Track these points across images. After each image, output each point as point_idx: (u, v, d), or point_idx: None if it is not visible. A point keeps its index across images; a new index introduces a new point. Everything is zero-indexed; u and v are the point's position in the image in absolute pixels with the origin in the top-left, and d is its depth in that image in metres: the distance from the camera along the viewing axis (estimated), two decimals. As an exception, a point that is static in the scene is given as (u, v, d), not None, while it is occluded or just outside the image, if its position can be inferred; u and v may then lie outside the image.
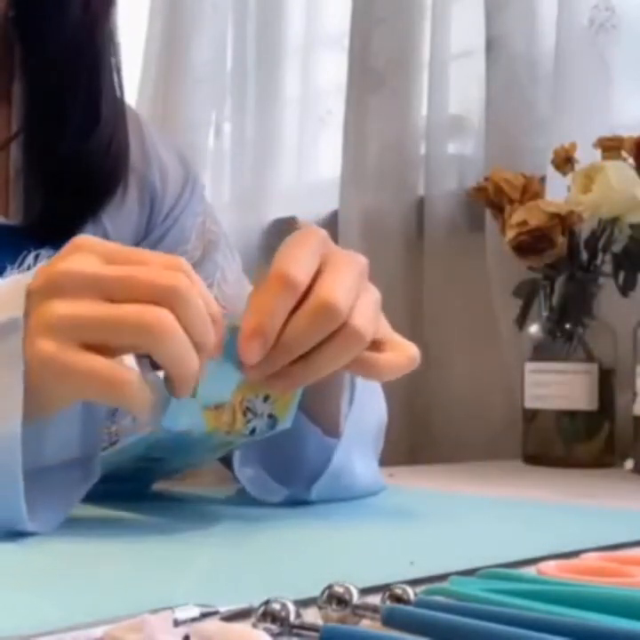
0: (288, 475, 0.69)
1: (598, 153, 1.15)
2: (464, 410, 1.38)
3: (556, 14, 1.25)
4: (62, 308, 0.51)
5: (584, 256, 1.17)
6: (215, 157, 1.74)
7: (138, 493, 0.72)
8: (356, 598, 0.37)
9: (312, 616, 0.37)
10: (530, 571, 0.46)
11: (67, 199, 0.77)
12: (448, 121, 1.43)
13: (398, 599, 0.38)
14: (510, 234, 1.14)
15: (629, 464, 1.07)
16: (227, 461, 0.73)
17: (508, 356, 1.30)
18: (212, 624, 0.34)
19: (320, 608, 0.37)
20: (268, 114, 1.69)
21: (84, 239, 0.54)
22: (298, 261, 0.56)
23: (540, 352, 1.17)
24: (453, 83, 1.42)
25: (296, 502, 0.68)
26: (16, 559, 0.49)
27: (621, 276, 1.15)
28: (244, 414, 0.60)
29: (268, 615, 0.35)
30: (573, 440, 1.14)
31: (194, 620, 0.35)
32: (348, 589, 0.37)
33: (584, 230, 1.16)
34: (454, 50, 1.42)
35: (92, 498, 0.66)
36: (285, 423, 0.62)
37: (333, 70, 1.61)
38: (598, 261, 1.16)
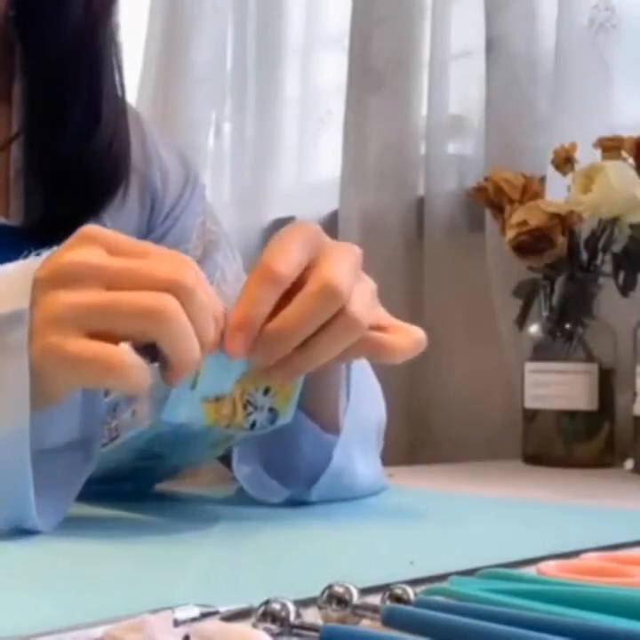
0: (287, 472, 0.69)
1: (598, 153, 1.15)
2: (464, 410, 1.38)
3: (556, 14, 1.25)
4: (66, 298, 0.51)
5: (584, 256, 1.17)
6: (215, 157, 1.74)
7: (138, 493, 0.72)
8: (356, 598, 0.37)
9: (312, 616, 0.37)
10: (530, 571, 0.46)
11: (67, 199, 0.77)
12: (448, 121, 1.43)
13: (398, 599, 0.38)
14: (510, 234, 1.14)
15: (629, 464, 1.07)
16: (226, 461, 0.73)
17: (508, 356, 1.30)
18: (212, 624, 0.34)
19: (320, 608, 0.37)
20: (268, 114, 1.69)
21: (90, 229, 0.54)
22: (283, 254, 0.56)
23: (540, 352, 1.17)
24: (453, 83, 1.42)
25: (296, 502, 0.68)
26: (16, 559, 0.49)
27: (621, 275, 1.15)
28: (245, 407, 0.60)
29: (268, 615, 0.35)
30: (573, 440, 1.14)
31: (194, 619, 0.35)
32: (347, 589, 0.37)
33: (584, 230, 1.16)
34: (454, 50, 1.42)
35: (92, 498, 0.66)
36: (286, 417, 0.62)
37: (333, 70, 1.62)
38: (598, 261, 1.16)
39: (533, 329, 1.19)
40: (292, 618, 0.35)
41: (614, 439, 1.15)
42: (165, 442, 0.65)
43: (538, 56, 1.32)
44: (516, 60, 1.32)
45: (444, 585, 0.40)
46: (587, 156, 1.16)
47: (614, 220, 1.14)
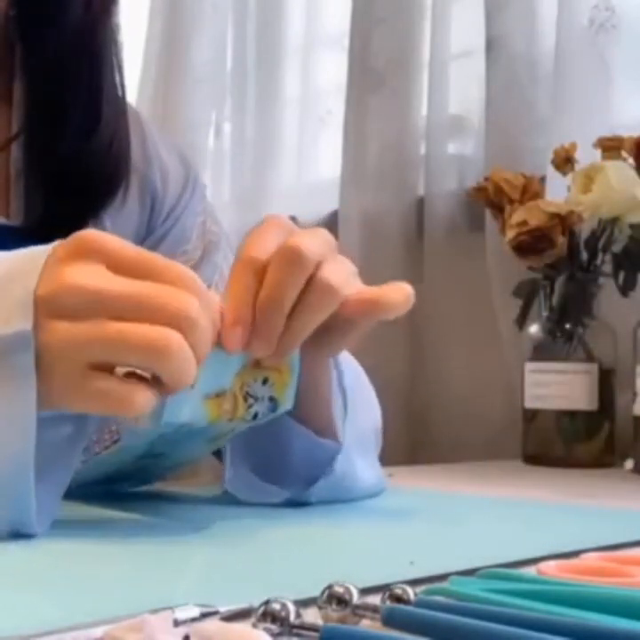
0: (278, 474, 0.69)
1: (598, 153, 1.15)
2: (464, 409, 1.38)
3: (556, 14, 1.25)
4: (69, 331, 0.50)
5: (584, 256, 1.17)
6: (215, 157, 1.74)
7: (138, 493, 0.72)
8: (356, 598, 0.37)
9: (312, 616, 0.37)
10: (530, 571, 0.46)
11: (68, 199, 0.77)
12: (448, 121, 1.43)
13: (398, 599, 0.38)
14: (510, 234, 1.14)
15: (629, 464, 1.07)
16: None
17: (508, 355, 1.30)
18: (212, 624, 0.34)
19: (320, 608, 0.37)
20: (268, 114, 1.69)
21: (90, 239, 0.52)
22: (260, 242, 0.58)
23: (540, 352, 1.17)
24: (453, 83, 1.42)
25: (296, 503, 0.68)
26: (16, 559, 0.49)
27: (621, 275, 1.15)
28: (245, 400, 0.60)
29: (268, 615, 0.35)
30: (573, 440, 1.14)
31: (194, 619, 0.35)
32: (348, 589, 0.37)
33: (584, 230, 1.16)
34: (454, 50, 1.42)
35: (92, 498, 0.66)
36: (287, 405, 0.62)
37: (333, 70, 1.61)
38: (598, 261, 1.16)
39: (533, 329, 1.19)
40: (292, 618, 0.35)
41: (614, 439, 1.15)
42: (167, 441, 0.65)
43: (538, 56, 1.32)
44: (516, 60, 1.32)
45: (444, 585, 0.40)
46: (587, 156, 1.16)
47: (614, 220, 1.14)
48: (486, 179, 1.23)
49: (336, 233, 1.48)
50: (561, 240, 1.13)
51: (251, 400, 0.60)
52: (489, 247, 1.32)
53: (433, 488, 0.90)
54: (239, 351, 0.57)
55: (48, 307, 0.51)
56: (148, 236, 0.84)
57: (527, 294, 1.22)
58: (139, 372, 0.51)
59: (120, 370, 0.51)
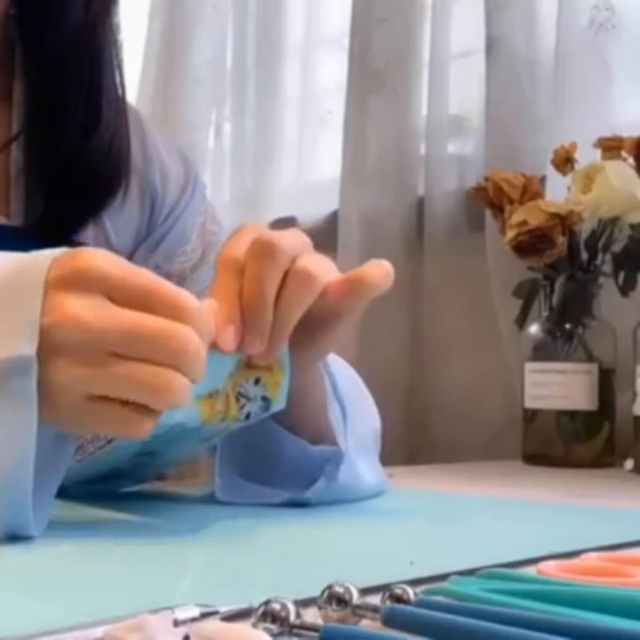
0: (270, 478, 0.69)
1: (598, 153, 1.15)
2: (464, 410, 1.38)
3: (556, 14, 1.25)
4: (69, 369, 0.51)
5: (584, 256, 1.17)
6: (215, 157, 1.74)
7: (137, 493, 0.72)
8: (355, 598, 0.37)
9: (312, 616, 0.37)
10: (530, 571, 0.46)
11: (68, 200, 0.77)
12: (448, 121, 1.43)
13: (398, 599, 0.38)
14: (510, 234, 1.14)
15: (629, 464, 1.07)
16: None
17: (508, 355, 1.30)
18: (212, 624, 0.34)
19: (320, 608, 0.37)
20: (268, 114, 1.69)
21: (91, 265, 0.51)
22: (236, 246, 0.59)
23: (540, 352, 1.17)
24: (453, 83, 1.42)
25: (296, 503, 0.68)
26: (16, 559, 0.49)
27: (621, 276, 1.15)
28: (237, 400, 0.60)
29: (268, 615, 0.35)
30: (573, 440, 1.14)
31: (194, 619, 0.35)
32: (348, 589, 0.37)
33: (584, 230, 1.16)
34: (454, 50, 1.42)
35: (92, 498, 0.66)
36: (279, 404, 0.63)
37: (333, 70, 1.62)
38: (598, 261, 1.16)
39: (533, 329, 1.19)
40: (292, 618, 0.35)
41: (614, 439, 1.15)
42: (160, 440, 0.65)
43: (538, 56, 1.32)
44: (516, 60, 1.32)
45: (444, 585, 0.40)
46: (587, 156, 1.16)
47: (614, 220, 1.14)
48: (486, 179, 1.23)
49: (336, 233, 1.48)
50: (561, 240, 1.13)
51: (243, 400, 0.61)
52: (489, 247, 1.32)
53: (433, 488, 0.90)
54: (233, 349, 0.57)
55: (50, 339, 0.50)
56: (147, 236, 0.84)
57: (527, 294, 1.22)
58: None
59: None
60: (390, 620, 0.36)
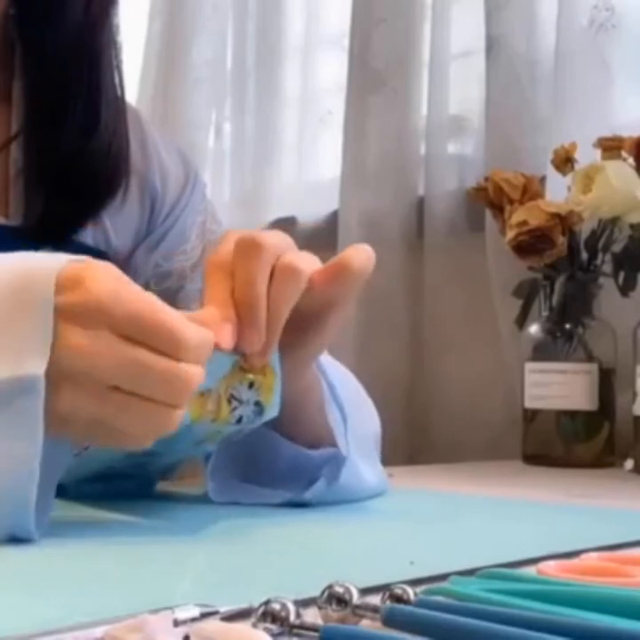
0: (266, 482, 0.69)
1: (598, 153, 1.15)
2: (464, 410, 1.38)
3: (556, 14, 1.25)
4: (74, 400, 0.52)
5: (584, 256, 1.17)
6: (215, 157, 1.74)
7: (138, 494, 0.72)
8: (355, 598, 0.37)
9: (312, 616, 0.37)
10: (530, 571, 0.46)
11: (67, 200, 0.77)
12: (448, 121, 1.43)
13: (398, 599, 0.38)
14: (510, 234, 1.14)
15: (629, 464, 1.07)
16: None
17: (508, 356, 1.30)
18: (212, 624, 0.34)
19: (320, 608, 0.37)
20: (268, 113, 1.69)
21: (96, 298, 0.51)
22: (224, 249, 0.60)
23: (540, 352, 1.17)
24: (453, 83, 1.42)
25: (295, 503, 0.68)
26: (16, 559, 0.49)
27: (621, 276, 1.15)
28: (229, 402, 0.60)
29: (268, 615, 0.35)
30: (573, 440, 1.14)
31: (194, 620, 0.35)
32: (348, 589, 0.37)
33: (584, 230, 1.16)
34: (454, 50, 1.42)
35: (92, 498, 0.66)
36: (273, 410, 0.62)
37: (333, 70, 1.62)
38: (598, 261, 1.16)
39: (533, 329, 1.18)
40: (292, 618, 0.35)
41: (614, 439, 1.15)
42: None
43: (538, 56, 1.32)
44: (516, 60, 1.32)
45: (444, 585, 0.40)
46: (587, 156, 1.16)
47: (614, 220, 1.14)
48: (486, 179, 1.23)
49: (336, 233, 1.48)
50: (561, 240, 1.13)
51: (235, 402, 0.60)
52: (489, 247, 1.32)
53: (433, 488, 0.90)
54: (231, 349, 0.58)
55: (53, 364, 0.51)
56: (147, 235, 0.84)
57: (527, 294, 1.22)
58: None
59: None
60: (390, 620, 0.36)
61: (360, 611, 0.37)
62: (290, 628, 0.35)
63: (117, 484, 0.71)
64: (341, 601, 0.37)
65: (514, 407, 1.23)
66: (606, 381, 1.14)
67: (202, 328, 0.54)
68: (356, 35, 1.50)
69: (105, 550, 0.52)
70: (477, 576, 0.43)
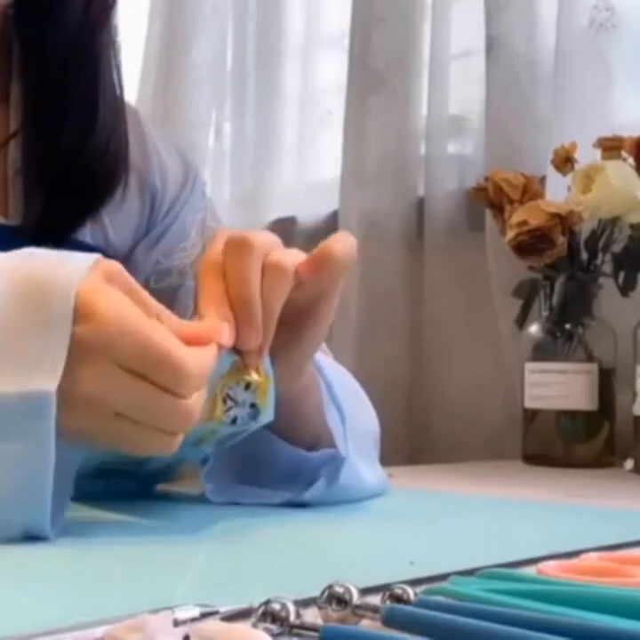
0: (267, 479, 0.69)
1: (598, 153, 1.15)
2: (464, 410, 1.38)
3: (556, 14, 1.26)
4: (80, 423, 0.53)
5: (584, 256, 1.17)
6: (215, 157, 1.74)
7: (138, 494, 0.72)
8: (355, 598, 0.37)
9: (312, 616, 0.37)
10: (530, 571, 0.46)
11: (66, 199, 0.77)
12: (448, 121, 1.43)
13: (398, 599, 0.38)
14: (510, 234, 1.14)
15: (629, 464, 1.07)
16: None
17: (508, 356, 1.30)
18: (212, 624, 0.34)
19: (320, 608, 0.37)
20: (268, 113, 1.69)
21: (104, 337, 0.52)
22: (214, 250, 0.61)
23: (540, 352, 1.17)
24: (453, 83, 1.42)
25: (295, 503, 0.68)
26: (16, 559, 0.49)
27: (621, 276, 1.15)
28: (224, 402, 0.60)
29: (268, 615, 0.35)
30: (573, 440, 1.14)
31: (194, 619, 0.35)
32: (348, 589, 0.37)
33: (584, 230, 1.16)
34: (454, 50, 1.42)
35: (92, 498, 0.66)
36: (268, 414, 0.62)
37: (333, 70, 1.62)
38: (598, 261, 1.16)
39: (533, 329, 1.18)
40: (292, 618, 0.35)
41: (614, 439, 1.15)
42: None
43: (538, 56, 1.32)
44: (516, 60, 1.32)
45: (444, 585, 0.40)
46: (587, 156, 1.16)
47: (614, 220, 1.14)
48: (486, 179, 1.23)
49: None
50: (561, 240, 1.13)
51: (230, 403, 0.60)
52: (489, 247, 1.32)
53: (433, 488, 0.90)
54: (230, 347, 0.58)
55: (61, 390, 0.51)
56: (147, 232, 0.84)
57: (527, 294, 1.22)
58: None
59: None
60: (390, 620, 0.36)
61: (360, 611, 0.37)
62: (290, 628, 0.35)
63: (117, 483, 0.71)
64: (341, 601, 0.37)
65: (514, 407, 1.23)
66: (606, 381, 1.14)
67: (202, 351, 0.55)
68: (356, 35, 1.50)
69: (105, 550, 0.52)
70: (477, 576, 0.43)
